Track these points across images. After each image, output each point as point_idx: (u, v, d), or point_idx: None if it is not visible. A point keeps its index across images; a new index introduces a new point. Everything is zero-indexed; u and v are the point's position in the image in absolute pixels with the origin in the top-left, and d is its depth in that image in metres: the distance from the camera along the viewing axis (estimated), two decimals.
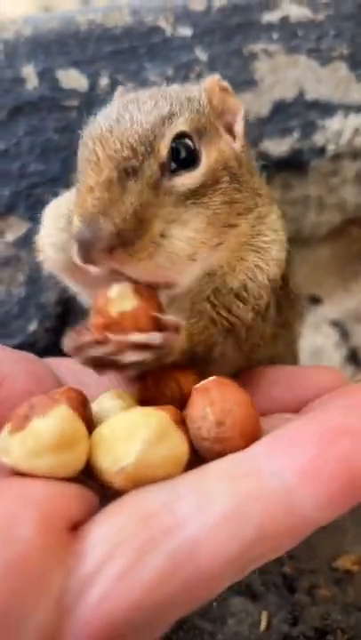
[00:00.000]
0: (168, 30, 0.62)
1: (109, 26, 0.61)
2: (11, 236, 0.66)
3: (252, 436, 0.35)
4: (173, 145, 0.42)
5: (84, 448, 0.34)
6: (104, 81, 0.62)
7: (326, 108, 0.66)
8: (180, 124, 0.43)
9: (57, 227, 0.47)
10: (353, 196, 0.73)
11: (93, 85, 0.62)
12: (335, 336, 0.81)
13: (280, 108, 0.65)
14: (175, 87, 0.48)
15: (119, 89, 0.51)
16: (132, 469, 0.32)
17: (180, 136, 0.43)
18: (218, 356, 0.46)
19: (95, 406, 0.41)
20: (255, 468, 0.31)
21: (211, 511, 0.29)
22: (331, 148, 0.67)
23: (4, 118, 0.62)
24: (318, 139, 0.66)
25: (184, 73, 0.62)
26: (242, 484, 0.30)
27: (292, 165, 0.68)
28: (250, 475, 0.31)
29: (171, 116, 0.43)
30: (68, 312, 0.67)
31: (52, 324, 0.66)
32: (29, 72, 0.61)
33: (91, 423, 0.38)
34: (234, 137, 0.48)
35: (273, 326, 0.50)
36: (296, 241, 0.53)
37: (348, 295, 0.84)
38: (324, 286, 0.82)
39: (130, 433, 0.34)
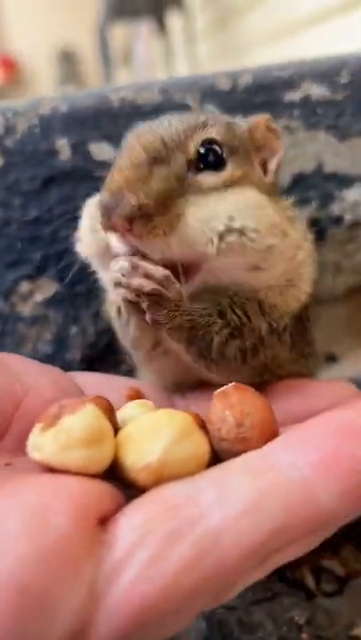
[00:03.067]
0: (195, 108, 0.66)
1: (140, 103, 0.65)
2: (40, 297, 0.69)
3: (270, 438, 0.37)
4: (202, 147, 0.46)
5: (110, 445, 0.35)
6: None
7: (344, 181, 0.69)
8: (212, 132, 0.47)
9: (93, 214, 0.50)
10: None
11: None
12: None
13: (300, 180, 0.68)
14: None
15: None
16: (157, 465, 0.33)
17: (210, 142, 0.47)
18: (216, 353, 0.47)
19: (119, 414, 0.43)
20: (273, 463, 0.32)
21: (232, 503, 0.30)
22: (348, 217, 0.70)
23: (38, 187, 0.65)
24: (336, 209, 0.69)
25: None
26: (261, 477, 0.31)
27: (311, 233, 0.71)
28: (268, 469, 0.32)
29: (205, 126, 0.47)
30: (92, 369, 0.70)
31: None
32: (63, 145, 0.65)
33: (116, 427, 0.39)
34: (266, 173, 0.51)
35: (288, 355, 0.51)
36: (314, 300, 0.56)
37: None
38: (340, 344, 0.84)
39: (154, 431, 0.35)
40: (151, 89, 0.65)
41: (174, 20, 3.26)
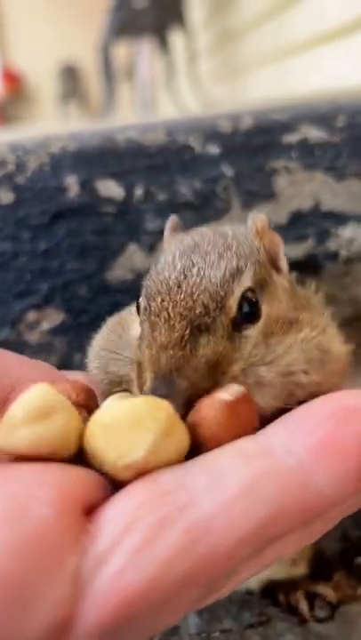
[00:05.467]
0: (198, 148, 0.69)
1: (146, 144, 0.68)
2: (46, 325, 0.71)
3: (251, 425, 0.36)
4: (244, 305, 0.42)
5: (64, 420, 0.33)
6: (139, 191, 0.69)
7: (340, 218, 0.72)
8: (247, 280, 0.43)
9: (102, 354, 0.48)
10: None
11: (129, 195, 0.69)
12: None
13: (298, 218, 0.71)
14: (227, 229, 0.49)
15: (169, 232, 0.53)
16: (142, 463, 0.31)
17: (248, 290, 0.43)
18: None
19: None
20: (268, 447, 0.31)
21: (225, 488, 0.28)
22: (343, 253, 0.73)
23: (47, 222, 0.68)
24: (332, 245, 0.72)
25: (211, 186, 0.69)
26: (255, 462, 0.30)
27: (308, 267, 0.74)
28: (263, 453, 0.31)
29: (239, 272, 0.43)
30: None
31: None
32: (71, 182, 0.68)
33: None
34: (278, 270, 0.50)
35: None
36: None
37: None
38: None
39: (136, 424, 0.32)
40: (156, 130, 0.68)
41: (176, 39, 3.30)
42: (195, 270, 0.42)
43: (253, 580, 0.62)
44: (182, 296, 0.41)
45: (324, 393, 0.44)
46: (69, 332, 0.71)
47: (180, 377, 0.38)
